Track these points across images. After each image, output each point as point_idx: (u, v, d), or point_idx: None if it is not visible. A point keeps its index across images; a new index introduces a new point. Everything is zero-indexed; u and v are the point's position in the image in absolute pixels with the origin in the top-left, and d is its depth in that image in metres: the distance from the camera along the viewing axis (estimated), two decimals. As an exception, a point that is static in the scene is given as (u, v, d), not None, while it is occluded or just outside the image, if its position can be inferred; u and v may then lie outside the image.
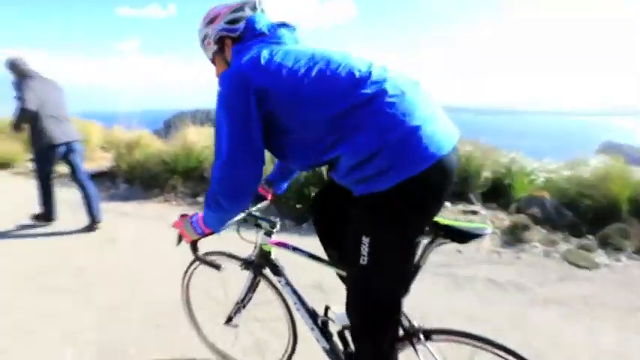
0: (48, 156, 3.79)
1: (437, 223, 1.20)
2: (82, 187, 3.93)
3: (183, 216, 1.41)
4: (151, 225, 4.10)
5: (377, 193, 1.08)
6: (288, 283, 1.58)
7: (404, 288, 1.23)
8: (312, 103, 1.09)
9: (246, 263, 1.67)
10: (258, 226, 1.61)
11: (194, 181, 5.11)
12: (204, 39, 1.37)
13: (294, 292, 1.57)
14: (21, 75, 3.68)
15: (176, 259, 1.97)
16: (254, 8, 1.33)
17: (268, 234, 1.60)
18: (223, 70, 1.21)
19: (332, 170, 1.18)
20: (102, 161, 6.90)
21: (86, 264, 3.16)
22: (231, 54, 1.28)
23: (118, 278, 2.92)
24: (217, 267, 1.43)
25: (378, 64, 1.17)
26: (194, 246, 1.40)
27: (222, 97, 1.14)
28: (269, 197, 1.79)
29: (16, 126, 3.66)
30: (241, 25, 1.29)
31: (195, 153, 5.22)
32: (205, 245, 1.47)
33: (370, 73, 1.12)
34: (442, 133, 1.11)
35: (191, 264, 1.87)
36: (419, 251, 1.21)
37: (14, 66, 3.69)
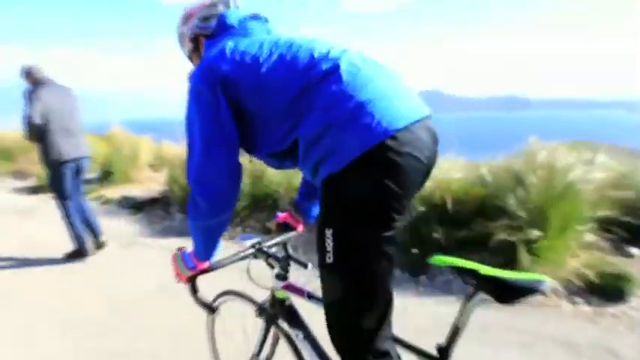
0: (60, 174, 4.26)
1: (476, 273, 1.23)
2: (79, 211, 4.41)
3: (178, 249, 1.61)
4: (218, 273, 4.11)
5: (331, 175, 1.24)
6: (307, 337, 1.62)
7: (382, 305, 1.30)
8: (273, 88, 1.32)
9: (260, 309, 1.76)
10: (271, 265, 1.69)
11: (266, 212, 5.11)
12: (181, 38, 1.70)
13: (316, 348, 1.59)
14: (34, 83, 4.24)
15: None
16: (227, 5, 1.62)
17: (281, 277, 1.67)
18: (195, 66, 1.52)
19: (297, 162, 1.38)
20: (151, 184, 7.26)
21: (147, 324, 3.19)
22: (204, 50, 1.58)
23: (187, 348, 2.88)
24: (212, 310, 1.67)
25: (341, 46, 1.40)
26: (192, 285, 1.56)
27: (192, 91, 1.40)
28: (299, 228, 1.87)
29: (30, 138, 4.23)
30: (213, 22, 1.58)
31: (268, 176, 5.25)
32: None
33: (329, 52, 1.34)
34: (400, 107, 1.26)
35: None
36: (460, 309, 1.29)
37: (29, 74, 4.26)
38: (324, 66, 1.31)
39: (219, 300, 1.94)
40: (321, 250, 1.29)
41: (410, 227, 3.87)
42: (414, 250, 3.84)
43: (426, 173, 1.34)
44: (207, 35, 1.60)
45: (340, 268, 1.27)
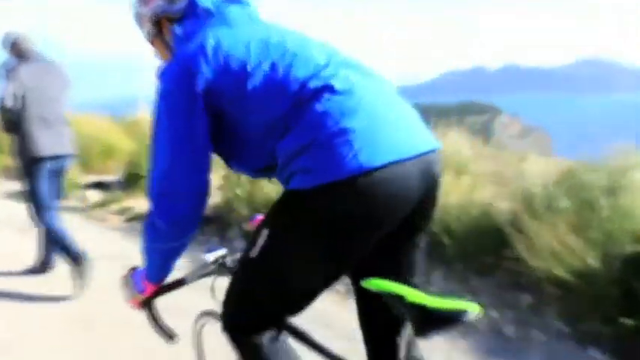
0: (35, 172, 4.60)
1: (402, 300, 1.55)
2: (48, 226, 4.70)
3: (131, 269, 1.98)
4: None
5: (295, 190, 1.61)
6: None
7: (283, 312, 1.81)
8: (262, 102, 1.63)
9: None
10: None
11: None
12: (138, 18, 1.96)
13: None
14: (17, 55, 4.65)
15: None
16: None
17: None
18: (166, 62, 1.81)
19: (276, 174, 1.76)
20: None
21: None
22: (173, 38, 1.85)
23: None
24: (171, 337, 1.98)
25: (340, 56, 1.73)
26: (150, 310, 1.94)
27: (163, 95, 1.68)
28: None
29: (3, 126, 4.68)
30: (182, 2, 1.80)
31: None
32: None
33: (325, 66, 1.65)
34: (388, 140, 1.57)
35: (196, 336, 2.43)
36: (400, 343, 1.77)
37: (13, 44, 4.66)
38: (318, 83, 1.60)
39: (200, 322, 2.37)
40: (251, 244, 1.71)
41: (614, 282, 3.61)
42: (625, 320, 3.50)
43: (414, 216, 1.67)
44: (173, 19, 1.85)
45: (258, 268, 1.69)
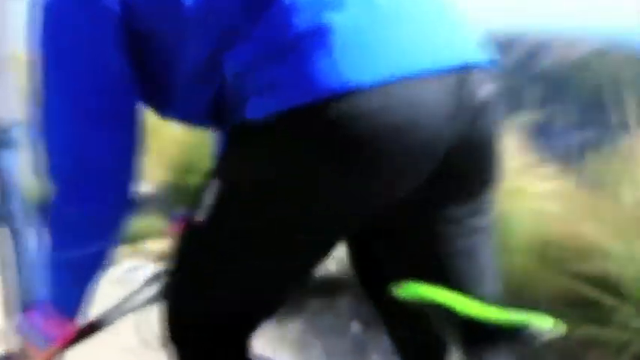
0: None
1: (445, 310, 1.35)
2: (14, 236, 4.03)
3: (26, 313, 1.75)
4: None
5: (249, 122, 1.29)
6: None
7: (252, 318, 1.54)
8: (207, 10, 1.33)
9: None
10: None
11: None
12: None
13: None
14: None
15: None
16: None
17: None
18: None
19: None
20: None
21: None
22: None
23: None
24: None
25: None
26: None
27: (52, 17, 1.37)
28: None
29: None
30: None
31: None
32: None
33: None
34: (397, 45, 1.22)
35: None
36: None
37: None
38: None
39: None
40: (198, 206, 1.60)
41: None
42: None
43: (457, 171, 1.30)
44: None
45: (206, 237, 1.41)
